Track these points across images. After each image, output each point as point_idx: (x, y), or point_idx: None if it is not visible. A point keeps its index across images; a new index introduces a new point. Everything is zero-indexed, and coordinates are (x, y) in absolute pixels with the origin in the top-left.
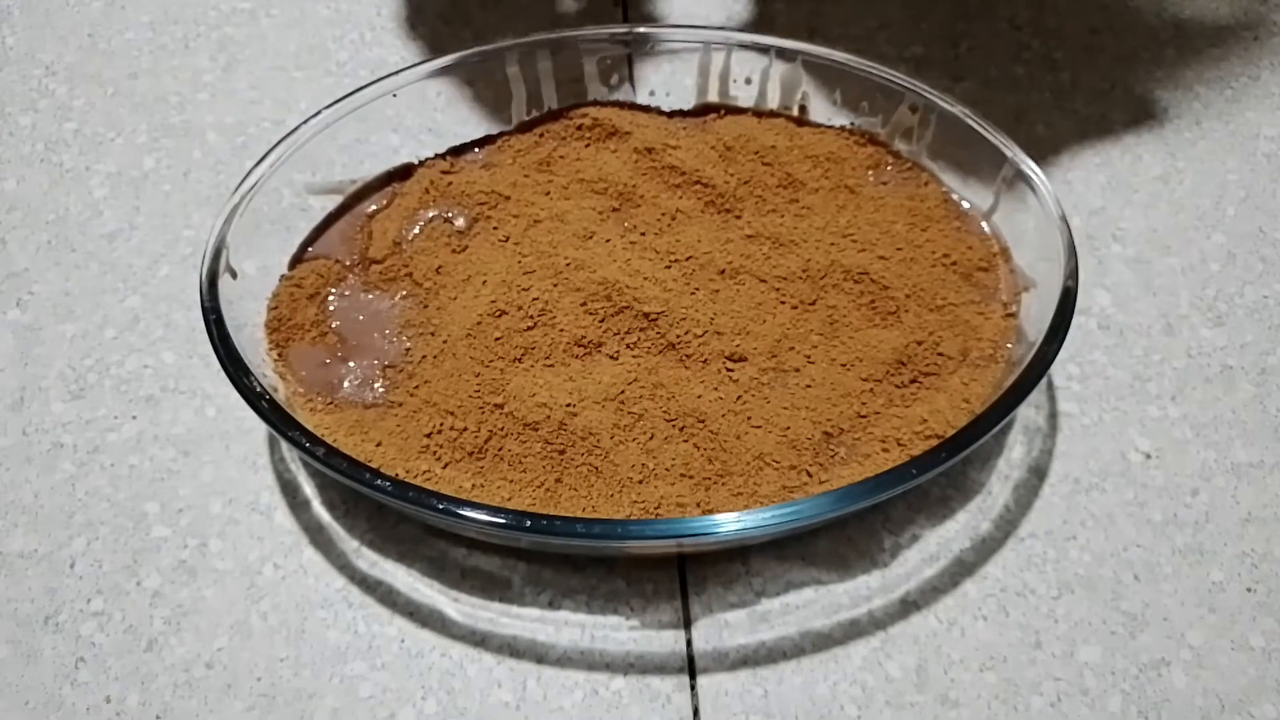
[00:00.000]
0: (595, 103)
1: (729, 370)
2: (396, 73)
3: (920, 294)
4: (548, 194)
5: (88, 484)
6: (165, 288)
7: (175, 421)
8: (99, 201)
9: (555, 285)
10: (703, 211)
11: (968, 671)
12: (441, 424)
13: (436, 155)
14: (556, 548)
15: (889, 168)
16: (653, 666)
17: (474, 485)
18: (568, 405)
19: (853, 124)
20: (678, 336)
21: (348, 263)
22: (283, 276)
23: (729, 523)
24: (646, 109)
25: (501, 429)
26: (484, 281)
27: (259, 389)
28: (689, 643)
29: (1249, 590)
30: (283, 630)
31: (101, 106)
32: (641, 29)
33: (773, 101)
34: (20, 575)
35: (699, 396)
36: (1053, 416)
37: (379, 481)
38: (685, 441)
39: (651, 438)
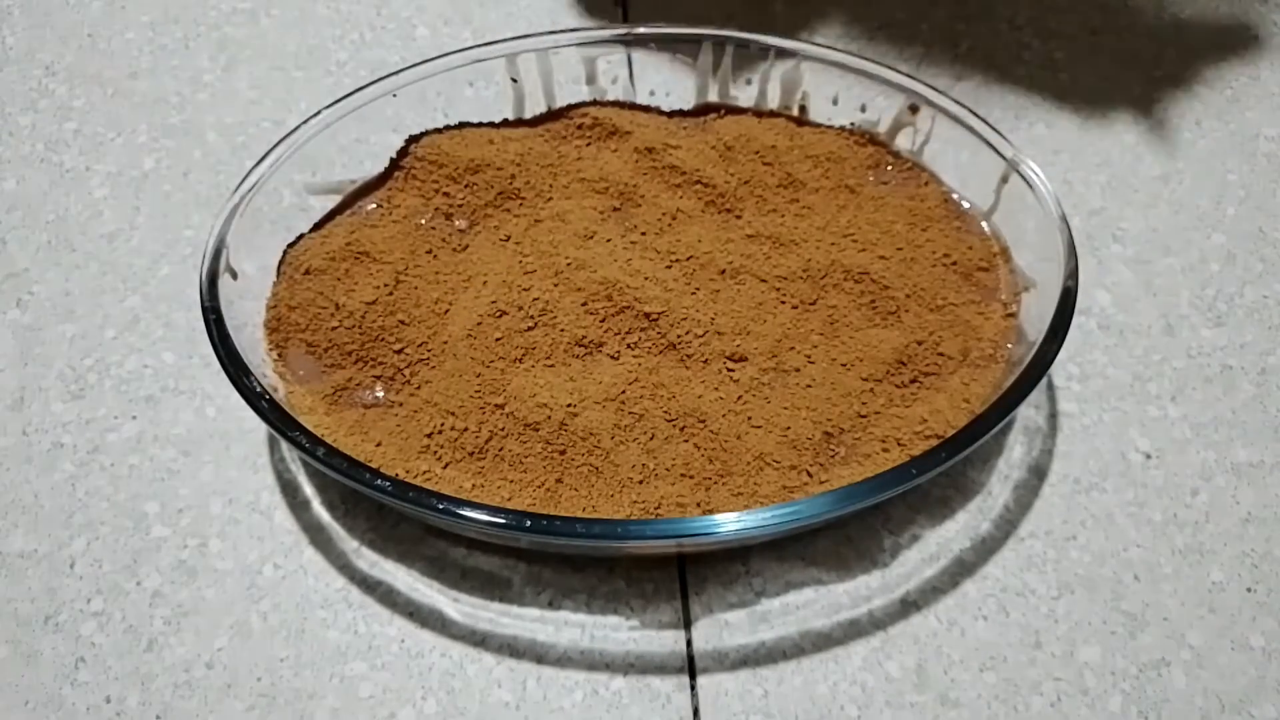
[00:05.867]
0: (595, 103)
1: (729, 370)
2: (396, 73)
3: (920, 294)
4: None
5: (88, 484)
6: (165, 288)
7: (175, 421)
8: (99, 201)
9: (556, 285)
10: (703, 211)
11: (968, 671)
12: (442, 424)
13: None
14: (556, 548)
15: (889, 168)
16: (653, 666)
17: (474, 485)
18: (568, 405)
19: (853, 124)
20: (678, 336)
21: (348, 263)
22: (283, 275)
23: (729, 523)
24: (646, 109)
25: (502, 429)
26: (484, 282)
27: (259, 389)
28: (689, 643)
29: (1249, 590)
30: (283, 630)
31: (101, 106)
32: (641, 29)
33: (773, 101)
34: (20, 575)
35: (699, 396)
36: (1053, 416)
37: (379, 481)
38: (685, 441)
39: (652, 438)
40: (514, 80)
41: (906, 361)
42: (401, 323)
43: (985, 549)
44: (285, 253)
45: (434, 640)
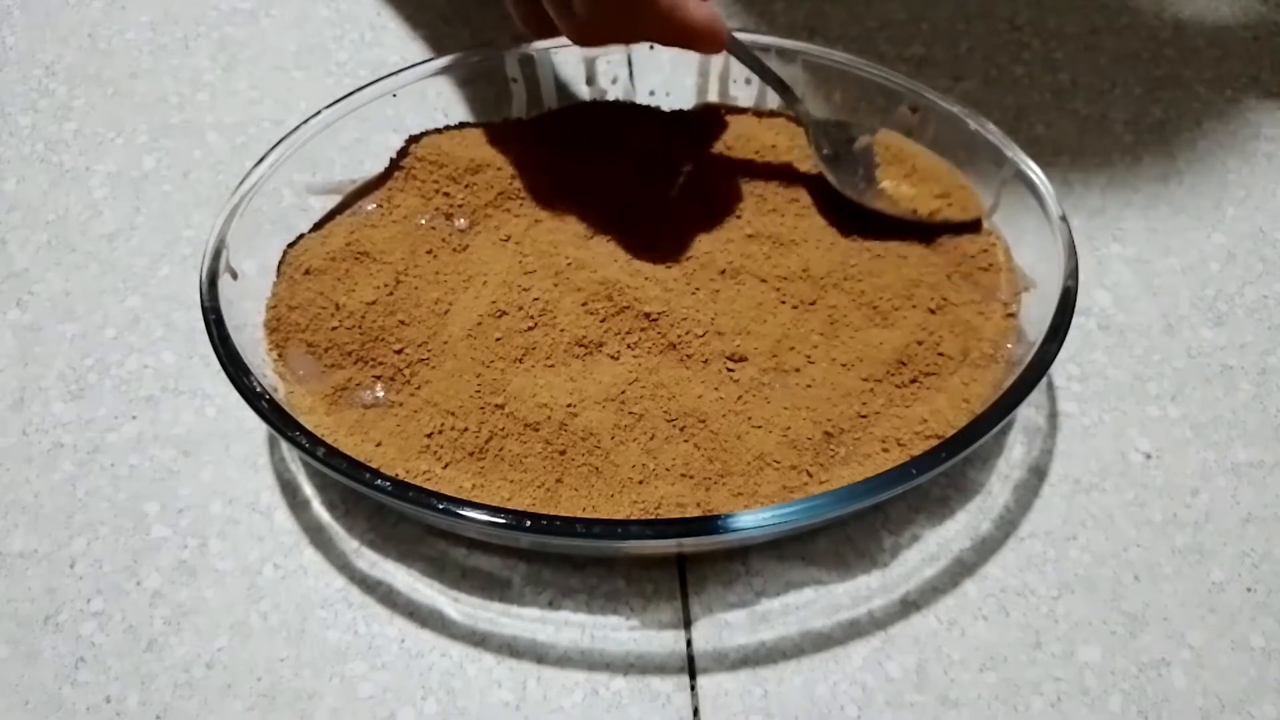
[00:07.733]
0: (595, 103)
1: (729, 370)
2: (396, 73)
3: (920, 294)
4: None
5: (88, 484)
6: (165, 288)
7: (175, 421)
8: (99, 201)
9: (556, 285)
10: (703, 211)
11: (968, 671)
12: (442, 424)
13: None
14: (556, 548)
15: None
16: (653, 666)
17: (474, 485)
18: (568, 405)
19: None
20: (678, 336)
21: (348, 263)
22: (283, 275)
23: (729, 523)
24: (646, 109)
25: (502, 429)
26: (485, 282)
27: (259, 389)
28: (689, 643)
29: (1249, 590)
30: (283, 630)
31: (101, 106)
32: None
33: (773, 102)
34: (20, 575)
35: (699, 396)
36: (1053, 416)
37: (379, 481)
38: (685, 441)
39: (652, 438)
40: (514, 80)
41: (906, 361)
42: (401, 323)
43: (985, 549)
44: (285, 253)
45: (434, 640)
